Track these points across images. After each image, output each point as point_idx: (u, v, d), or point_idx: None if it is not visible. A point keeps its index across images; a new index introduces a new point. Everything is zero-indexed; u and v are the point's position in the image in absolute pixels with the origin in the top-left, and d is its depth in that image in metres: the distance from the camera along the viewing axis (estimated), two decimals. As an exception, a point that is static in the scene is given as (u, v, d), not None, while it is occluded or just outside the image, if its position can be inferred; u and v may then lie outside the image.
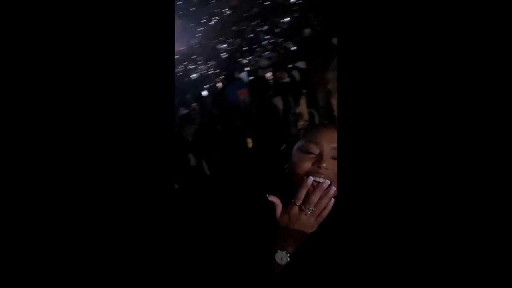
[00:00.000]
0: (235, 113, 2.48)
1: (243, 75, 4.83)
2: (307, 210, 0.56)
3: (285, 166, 0.67)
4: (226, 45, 9.81)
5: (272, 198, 0.59)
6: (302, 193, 0.56)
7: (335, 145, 0.61)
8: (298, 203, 0.56)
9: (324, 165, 0.60)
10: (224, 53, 8.71)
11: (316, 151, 0.61)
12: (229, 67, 6.14)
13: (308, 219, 0.56)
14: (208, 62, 8.57)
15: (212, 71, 7.19)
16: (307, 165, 0.61)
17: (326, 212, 0.56)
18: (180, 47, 13.73)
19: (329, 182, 0.56)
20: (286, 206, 0.58)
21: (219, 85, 4.75)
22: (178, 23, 14.75)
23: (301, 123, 2.30)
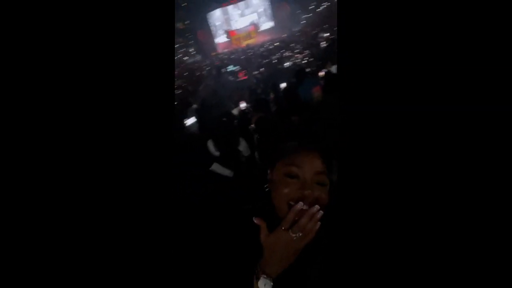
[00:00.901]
0: (300, 109, 2.34)
1: (334, 68, 4.49)
2: (295, 235, 0.55)
3: (265, 186, 0.65)
4: (328, 33, 9.27)
5: (257, 220, 0.58)
6: (291, 218, 0.55)
7: (318, 170, 0.60)
8: (285, 227, 0.55)
9: (305, 191, 0.58)
10: (324, 42, 8.26)
11: (298, 175, 0.60)
12: (324, 58, 5.80)
13: (294, 243, 0.55)
14: (304, 51, 8.34)
15: (306, 61, 6.97)
16: (289, 188, 0.59)
17: (311, 236, 0.55)
18: (282, 34, 13.87)
19: (318, 208, 0.56)
20: (270, 227, 0.58)
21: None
22: (285, 9, 14.84)
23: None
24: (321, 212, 0.55)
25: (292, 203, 0.58)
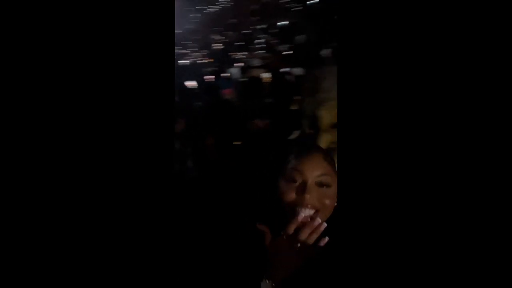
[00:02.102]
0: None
1: (234, 71, 4.76)
2: (296, 245, 0.57)
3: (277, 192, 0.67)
4: (221, 36, 9.72)
5: (260, 226, 0.60)
6: (292, 227, 0.57)
7: (319, 172, 0.62)
8: (287, 235, 0.57)
9: (307, 195, 0.60)
10: (219, 45, 8.62)
11: (299, 179, 0.62)
12: (222, 60, 6.07)
13: (297, 251, 0.57)
14: (201, 51, 8.46)
15: (206, 60, 7.11)
16: (291, 194, 0.62)
17: (313, 249, 0.57)
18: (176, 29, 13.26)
19: (320, 221, 0.58)
20: (277, 232, 0.59)
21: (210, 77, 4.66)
22: (177, 5, 14.19)
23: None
24: (325, 224, 0.56)
25: (299, 208, 0.59)
